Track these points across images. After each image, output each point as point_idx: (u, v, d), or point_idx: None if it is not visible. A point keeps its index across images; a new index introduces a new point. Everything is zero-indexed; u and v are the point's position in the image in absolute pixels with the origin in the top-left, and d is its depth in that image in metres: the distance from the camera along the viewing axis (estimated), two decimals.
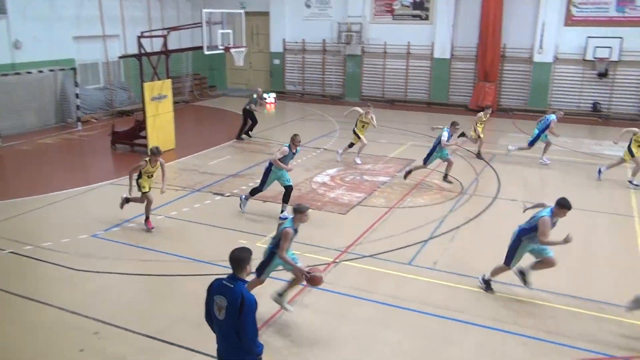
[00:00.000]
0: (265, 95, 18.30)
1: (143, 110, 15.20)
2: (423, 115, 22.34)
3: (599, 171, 13.57)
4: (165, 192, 10.04)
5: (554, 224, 7.37)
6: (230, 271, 4.57)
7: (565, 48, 21.94)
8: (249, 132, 17.52)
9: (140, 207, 10.23)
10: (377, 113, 22.71)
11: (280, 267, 7.12)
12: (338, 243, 9.49)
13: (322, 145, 16.66)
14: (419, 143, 17.12)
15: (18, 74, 17.26)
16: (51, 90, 19.02)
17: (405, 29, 24.21)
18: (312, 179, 13.26)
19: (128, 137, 15.94)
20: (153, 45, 17.15)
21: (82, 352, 6.44)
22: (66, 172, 13.95)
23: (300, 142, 10.79)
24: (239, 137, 17.29)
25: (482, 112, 15.60)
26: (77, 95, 18.72)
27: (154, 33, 17.28)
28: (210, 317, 4.70)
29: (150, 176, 9.98)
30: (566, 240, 7.09)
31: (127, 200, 10.21)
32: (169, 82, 15.84)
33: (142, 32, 15.76)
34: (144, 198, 9.90)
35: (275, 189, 12.52)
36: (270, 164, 10.57)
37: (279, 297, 7.11)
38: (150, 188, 9.97)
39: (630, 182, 13.12)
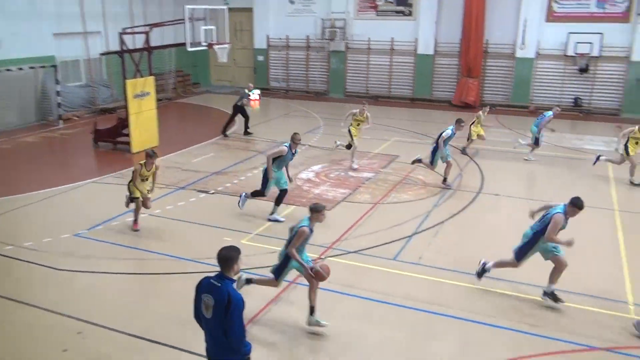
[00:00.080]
0: (247, 91, 18.26)
1: (125, 107, 15.07)
2: (407, 111, 22.43)
3: (597, 158, 13.54)
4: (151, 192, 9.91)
5: (565, 225, 7.26)
6: (218, 269, 4.56)
7: (546, 44, 22.17)
8: (247, 129, 17.39)
9: (129, 205, 10.14)
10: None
11: (295, 270, 6.98)
12: (323, 239, 9.48)
13: (306, 142, 16.64)
14: (403, 139, 17.21)
15: None
16: (32, 88, 18.76)
17: (388, 25, 24.27)
18: (296, 175, 13.24)
19: (110, 135, 15.78)
20: (135, 41, 16.98)
21: (66, 352, 6.38)
22: (48, 171, 13.78)
23: (300, 140, 10.45)
24: (224, 134, 17.20)
25: (480, 112, 15.52)
26: (58, 93, 18.48)
27: (136, 29, 17.10)
28: (198, 315, 4.69)
29: (144, 179, 9.63)
30: (569, 243, 7.07)
31: (132, 200, 9.82)
32: (151, 79, 15.71)
33: (124, 29, 15.60)
34: (138, 203, 9.68)
35: None
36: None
37: (311, 317, 6.80)
38: (148, 190, 9.69)
39: (631, 182, 13.02)
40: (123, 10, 22.21)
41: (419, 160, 12.81)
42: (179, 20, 15.51)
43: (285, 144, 10.19)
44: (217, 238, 9.34)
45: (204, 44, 15.32)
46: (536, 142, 14.86)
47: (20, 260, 8.67)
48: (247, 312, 4.55)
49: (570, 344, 6.64)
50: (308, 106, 22.96)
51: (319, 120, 20.16)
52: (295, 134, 10.33)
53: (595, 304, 7.45)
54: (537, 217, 7.63)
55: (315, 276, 6.63)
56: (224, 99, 24.37)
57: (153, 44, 15.71)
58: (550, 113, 14.77)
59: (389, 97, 24.73)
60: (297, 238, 6.60)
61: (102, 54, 18.96)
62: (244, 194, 10.70)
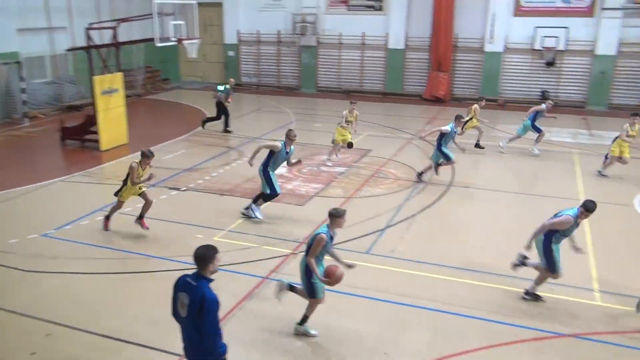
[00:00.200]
0: (219, 87, 18.06)
1: (93, 104, 14.78)
2: (379, 105, 22.53)
3: (600, 172, 13.27)
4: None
5: (577, 225, 7.21)
6: (190, 268, 4.51)
7: (514, 38, 22.51)
8: (227, 127, 17.14)
9: (95, 204, 9.99)
10: (332, 104, 23.00)
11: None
12: (296, 234, 9.49)
13: (278, 137, 16.57)
14: (375, 133, 17.29)
15: None
16: None
17: (359, 19, 24.33)
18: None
19: (78, 133, 15.47)
20: (103, 37, 16.65)
21: (34, 355, 6.24)
22: (13, 170, 13.41)
23: (296, 137, 9.98)
24: (227, 130, 17.11)
25: (476, 104, 15.46)
26: (23, 90, 18.00)
27: (103, 25, 16.77)
28: (176, 313, 4.64)
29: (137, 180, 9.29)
30: (577, 250, 7.33)
31: (108, 218, 9.60)
32: (120, 75, 15.43)
33: (90, 24, 15.28)
34: (121, 205, 9.47)
35: (235, 182, 12.43)
36: (264, 166, 9.92)
37: (301, 325, 6.66)
38: (142, 189, 9.35)
39: (599, 171, 13.21)
40: (89, 5, 21.75)
41: (437, 165, 12.34)
42: (148, 15, 15.25)
43: (280, 141, 9.91)
44: (189, 235, 9.25)
45: (173, 39, 15.11)
46: (539, 131, 14.92)
47: None
48: (220, 309, 4.50)
49: (540, 331, 6.79)
50: (280, 101, 22.88)
51: (291, 115, 20.12)
52: (290, 130, 9.99)
53: (562, 292, 7.62)
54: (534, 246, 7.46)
55: (330, 278, 6.33)
56: (195, 95, 24.14)
57: (121, 39, 15.42)
58: (543, 106, 15.00)
59: (360, 91, 24.80)
60: (315, 245, 6.27)
61: (68, 50, 18.52)
62: (253, 205, 10.02)
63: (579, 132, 17.97)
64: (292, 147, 9.97)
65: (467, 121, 15.17)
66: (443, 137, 12.06)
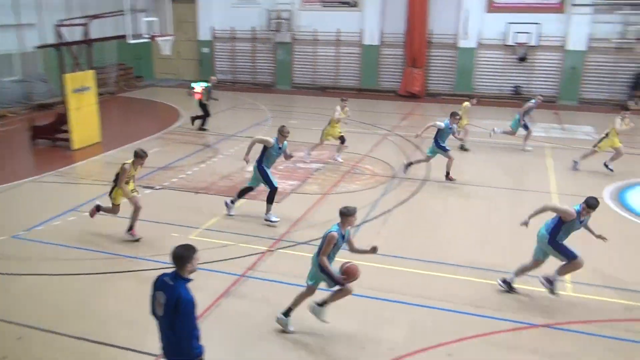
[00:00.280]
0: (193, 84, 17.90)
1: (64, 103, 14.50)
2: (354, 101, 22.53)
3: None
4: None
5: (581, 222, 7.19)
6: (165, 267, 4.47)
7: (487, 34, 22.78)
8: (203, 125, 16.97)
9: (67, 204, 9.81)
10: (308, 100, 23.00)
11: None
12: (273, 231, 9.48)
13: (254, 134, 16.50)
14: (351, 129, 17.29)
15: None
16: None
17: (334, 16, 24.34)
18: (245, 168, 13.13)
19: (49, 132, 15.17)
20: (74, 34, 16.33)
21: None
22: None
23: (289, 133, 9.85)
24: (202, 128, 16.91)
25: (467, 102, 15.39)
26: None
27: (74, 21, 16.45)
28: (154, 312, 4.61)
29: (128, 181, 8.99)
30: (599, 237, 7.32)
31: (98, 209, 9.21)
32: (91, 73, 15.15)
33: (60, 21, 14.98)
34: (117, 209, 9.08)
35: (211, 180, 12.35)
36: (259, 162, 9.84)
37: (318, 306, 6.57)
38: (136, 191, 9.12)
39: (575, 162, 13.34)
40: (59, 1, 21.28)
41: (410, 164, 12.55)
42: (120, 11, 15.01)
43: (273, 139, 9.77)
44: (164, 234, 9.16)
45: (146, 36, 14.93)
46: (527, 128, 15.08)
47: None
48: (197, 308, 4.48)
49: (514, 322, 6.91)
50: (255, 98, 22.78)
51: (267, 112, 20.05)
52: (282, 126, 9.87)
53: (534, 283, 7.74)
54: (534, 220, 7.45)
55: (349, 278, 6.28)
56: (169, 93, 23.89)
57: (93, 36, 15.17)
58: (533, 101, 15.17)
59: (336, 87, 24.83)
60: (326, 244, 6.25)
61: (38, 47, 18.16)
62: (269, 211, 9.84)
63: (551, 126, 18.27)
64: (285, 142, 9.89)
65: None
66: (439, 134, 12.14)
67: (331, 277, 6.34)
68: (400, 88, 23.79)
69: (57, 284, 7.85)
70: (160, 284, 4.51)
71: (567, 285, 7.84)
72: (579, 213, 7.10)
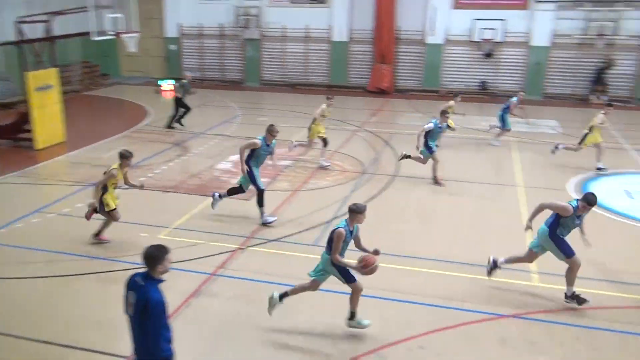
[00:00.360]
0: (161, 82, 17.66)
1: (27, 101, 14.14)
2: (324, 98, 22.52)
3: (599, 168, 13.08)
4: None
5: (578, 218, 7.06)
6: (134, 267, 4.41)
7: (454, 30, 23.08)
8: (171, 123, 16.69)
9: (30, 206, 9.55)
10: (277, 97, 22.93)
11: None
12: (244, 229, 9.44)
13: (223, 132, 16.42)
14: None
15: None
16: None
17: (303, 12, 24.31)
18: (214, 166, 13.05)
19: (11, 132, 14.78)
20: (35, 31, 15.89)
21: None
22: None
23: (278, 132, 9.62)
24: (180, 123, 16.67)
25: (452, 101, 15.33)
26: None
27: (35, 18, 16.01)
28: (127, 312, 4.56)
29: (115, 187, 8.72)
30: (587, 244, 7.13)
31: (95, 210, 8.71)
32: (55, 70, 14.81)
33: (21, 17, 14.57)
34: (115, 215, 8.68)
35: (179, 179, 12.23)
36: (246, 163, 9.60)
37: (352, 320, 6.58)
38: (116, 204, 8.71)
39: (553, 149, 13.33)
40: None
41: (407, 156, 12.18)
42: (83, 8, 14.68)
43: (259, 137, 9.59)
44: (133, 234, 9.03)
45: (111, 33, 14.65)
46: (505, 126, 15.31)
47: None
48: (167, 308, 4.43)
49: (482, 313, 7.03)
50: (224, 95, 22.60)
51: (236, 109, 19.92)
52: (271, 125, 9.60)
53: (502, 275, 7.90)
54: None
55: (367, 266, 6.23)
56: (136, 91, 23.51)
57: (56, 33, 14.80)
58: (515, 99, 15.36)
59: (305, 84, 24.82)
60: (336, 242, 6.21)
61: None
62: (267, 217, 9.70)
63: (516, 121, 18.59)
64: (273, 141, 9.72)
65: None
66: (430, 134, 11.92)
67: (349, 269, 6.29)
68: (369, 84, 23.92)
69: (22, 288, 7.66)
70: (131, 284, 4.46)
71: (534, 276, 8.02)
72: (576, 209, 6.99)
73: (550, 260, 7.76)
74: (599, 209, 10.69)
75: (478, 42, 22.70)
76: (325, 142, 13.26)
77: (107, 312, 6.79)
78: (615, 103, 20.68)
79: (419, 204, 11.20)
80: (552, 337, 6.64)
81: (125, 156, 8.62)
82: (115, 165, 8.59)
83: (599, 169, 13.02)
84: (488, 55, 22.93)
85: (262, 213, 9.71)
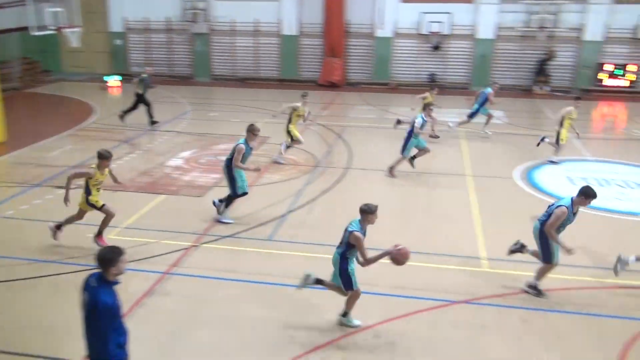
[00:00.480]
0: (106, 78, 17.15)
1: None
2: (275, 92, 22.54)
3: (542, 139, 13.36)
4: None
5: (574, 215, 6.92)
6: (83, 270, 4.30)
7: (403, 23, 23.42)
8: (152, 118, 16.13)
9: None
10: (228, 92, 22.68)
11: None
12: (196, 226, 9.32)
13: (173, 128, 16.14)
14: (273, 120, 17.26)
15: None
16: None
17: (252, 6, 24.12)
18: (164, 163, 12.81)
19: None
20: None
21: None
22: None
23: (259, 131, 9.39)
24: (121, 119, 16.09)
25: (427, 93, 15.42)
26: None
27: None
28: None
29: (99, 189, 8.34)
30: (569, 251, 6.86)
31: (59, 227, 8.47)
32: None
33: None
34: (109, 210, 8.30)
35: (129, 177, 11.94)
36: (228, 166, 9.37)
37: (344, 317, 6.63)
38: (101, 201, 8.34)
39: (542, 139, 13.38)
40: None
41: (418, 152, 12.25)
42: (21, 2, 14.10)
43: (241, 141, 9.21)
44: (80, 236, 8.75)
45: (52, 27, 14.15)
46: (471, 117, 15.63)
47: None
48: (120, 310, 4.34)
49: (434, 301, 7.21)
50: (173, 91, 22.17)
51: (186, 105, 19.59)
52: (251, 125, 9.34)
53: (452, 262, 8.11)
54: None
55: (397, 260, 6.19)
56: (80, 87, 22.77)
57: None
58: (489, 89, 15.61)
59: (256, 78, 24.66)
60: (360, 246, 6.13)
61: None
62: (224, 213, 9.52)
63: (464, 112, 19.06)
64: (254, 141, 9.50)
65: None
66: (413, 130, 11.90)
67: (381, 257, 6.24)
68: (320, 78, 23.98)
69: None
70: (86, 285, 4.37)
71: (483, 262, 8.27)
72: (571, 206, 6.86)
73: (498, 246, 8.01)
74: (544, 195, 11.14)
75: (426, 35, 23.12)
76: (289, 147, 13.13)
77: (55, 316, 6.58)
78: (556, 93, 21.62)
79: (373, 195, 11.30)
80: (502, 320, 6.87)
81: (104, 156, 8.22)
82: (94, 165, 8.29)
83: (551, 161, 13.31)
84: (436, 48, 23.39)
85: (224, 212, 9.57)
